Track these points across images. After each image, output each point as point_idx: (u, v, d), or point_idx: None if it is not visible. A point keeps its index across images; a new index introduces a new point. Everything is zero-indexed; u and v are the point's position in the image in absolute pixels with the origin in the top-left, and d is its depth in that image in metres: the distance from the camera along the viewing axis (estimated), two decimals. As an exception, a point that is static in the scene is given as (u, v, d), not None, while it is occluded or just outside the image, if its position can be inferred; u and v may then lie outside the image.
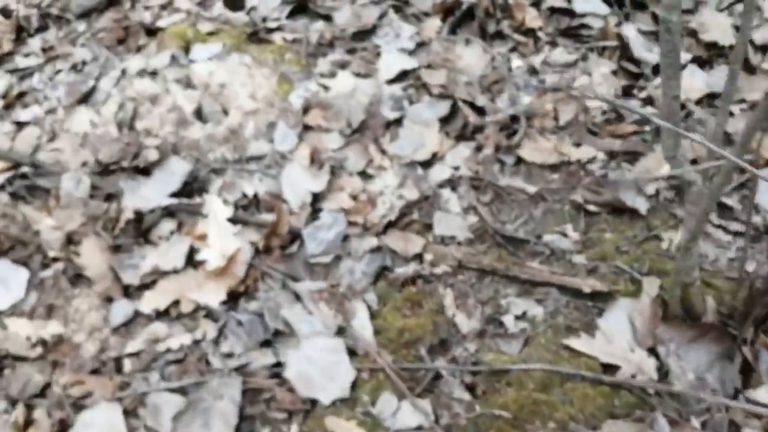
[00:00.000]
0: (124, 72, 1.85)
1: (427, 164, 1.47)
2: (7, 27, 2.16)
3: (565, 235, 1.24)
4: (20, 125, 1.75)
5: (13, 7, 2.29)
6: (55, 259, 1.45)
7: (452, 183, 1.42)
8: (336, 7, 1.99)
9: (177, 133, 1.60)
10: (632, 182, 1.28)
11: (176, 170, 1.50)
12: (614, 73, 1.56)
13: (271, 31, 1.90)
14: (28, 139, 1.70)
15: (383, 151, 1.53)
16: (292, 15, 2.03)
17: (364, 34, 1.86)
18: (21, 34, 2.17)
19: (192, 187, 1.50)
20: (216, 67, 1.78)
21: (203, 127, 1.61)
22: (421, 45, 1.78)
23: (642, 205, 1.27)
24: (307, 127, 1.61)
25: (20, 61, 2.04)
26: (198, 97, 1.67)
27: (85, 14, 2.22)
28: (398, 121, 1.58)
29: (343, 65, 1.75)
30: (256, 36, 1.89)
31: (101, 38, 2.09)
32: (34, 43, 2.13)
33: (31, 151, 1.66)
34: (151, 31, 2.11)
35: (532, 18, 1.74)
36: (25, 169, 1.60)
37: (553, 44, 1.70)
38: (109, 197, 1.52)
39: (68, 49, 2.07)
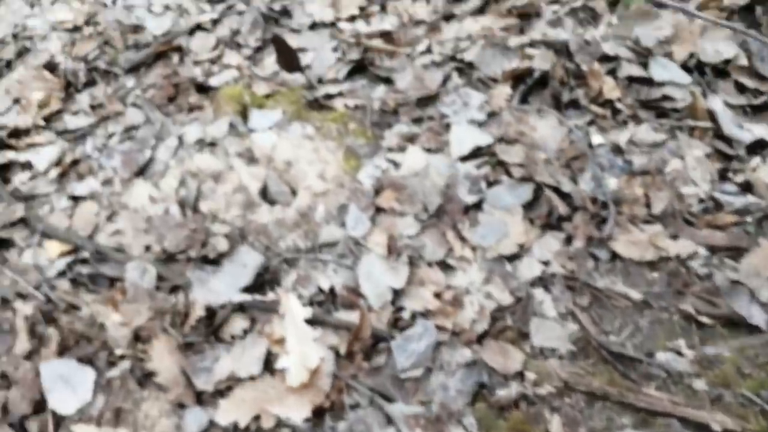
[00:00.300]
0: (181, 140, 1.78)
1: (513, 257, 1.39)
2: (56, 84, 2.09)
3: (679, 353, 1.16)
4: (77, 200, 1.68)
5: (59, 59, 2.23)
6: (122, 357, 1.39)
7: (544, 281, 1.33)
8: (396, 69, 1.91)
9: (244, 216, 1.53)
10: (744, 289, 1.20)
11: (247, 262, 1.42)
12: (707, 155, 1.47)
13: (330, 96, 1.82)
14: (86, 216, 1.63)
15: (463, 239, 1.45)
16: (350, 75, 1.95)
17: (429, 100, 1.78)
18: (68, 89, 2.12)
19: (263, 279, 1.43)
20: (278, 138, 1.71)
21: (271, 210, 1.53)
22: (491, 115, 1.70)
23: (760, 318, 1.18)
24: (379, 209, 1.53)
25: (70, 121, 1.98)
26: (263, 175, 1.59)
27: (133, 69, 2.16)
28: (477, 205, 1.49)
29: (412, 138, 1.67)
30: (316, 102, 1.82)
31: (151, 96, 2.03)
32: (83, 100, 2.07)
33: (91, 231, 1.59)
34: (202, 89, 2.04)
35: (610, 88, 1.65)
36: (85, 253, 1.53)
37: (635, 117, 1.61)
38: (175, 288, 1.45)
39: (118, 107, 2.00)
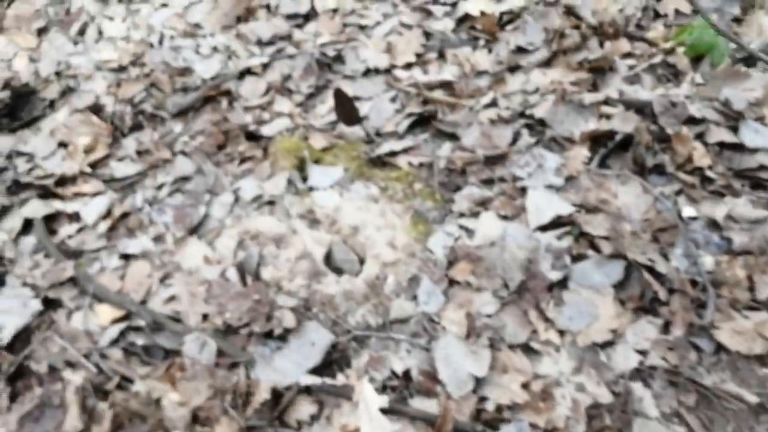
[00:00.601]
0: (236, 196, 1.69)
1: (606, 345, 1.28)
2: (102, 128, 2.02)
3: (810, 474, 1.04)
4: (128, 258, 1.59)
5: (104, 101, 2.16)
6: (179, 440, 1.28)
7: (643, 375, 1.22)
8: (460, 123, 1.82)
9: (309, 286, 1.43)
10: None
11: (316, 339, 1.32)
12: (815, 235, 1.36)
13: (393, 153, 1.73)
14: (139, 277, 1.54)
15: (547, 320, 1.34)
16: (411, 129, 1.87)
17: (499, 159, 1.69)
18: (114, 132, 2.04)
19: (332, 358, 1.33)
20: (341, 198, 1.61)
21: (338, 281, 1.43)
22: (568, 179, 1.60)
23: None
24: (453, 282, 1.43)
25: (117, 168, 1.90)
26: (327, 240, 1.50)
27: (180, 113, 2.08)
28: (561, 283, 1.39)
29: (484, 202, 1.57)
30: (379, 159, 1.72)
31: (200, 144, 1.95)
32: (129, 146, 1.99)
33: (144, 294, 1.50)
34: (253, 137, 1.96)
35: (700, 155, 1.54)
36: (139, 321, 1.44)
37: (729, 188, 1.50)
38: (236, 365, 1.35)
39: (166, 154, 1.92)
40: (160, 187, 1.81)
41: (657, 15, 2.12)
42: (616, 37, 1.97)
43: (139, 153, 1.97)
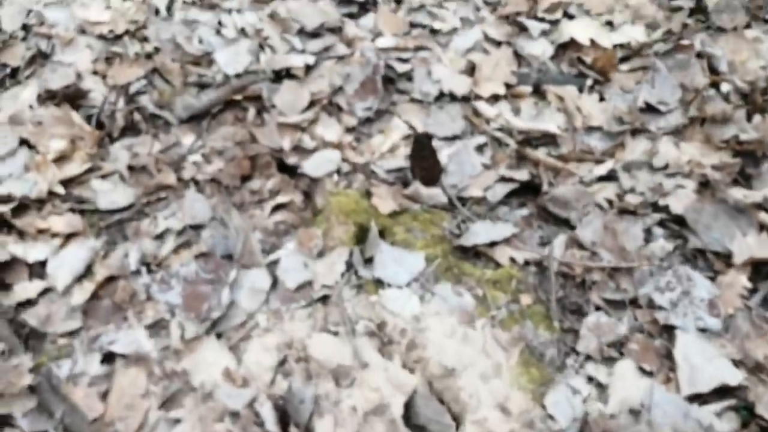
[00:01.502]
0: (274, 278, 1.22)
1: None
2: (85, 132, 1.48)
3: None
4: (112, 361, 1.11)
5: (88, 84, 1.61)
6: None
7: None
8: (573, 203, 1.38)
9: (384, 456, 1.00)
10: None
11: None
12: None
13: (492, 244, 1.29)
14: (129, 397, 1.06)
15: None
16: (508, 198, 1.42)
17: (628, 271, 1.27)
18: (100, 132, 1.51)
19: None
20: (420, 306, 1.17)
21: (426, 455, 1.01)
22: (726, 319, 1.20)
23: None
24: (582, 469, 1.03)
25: (100, 191, 1.38)
26: (410, 385, 1.06)
27: (192, 118, 1.56)
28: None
29: (617, 343, 1.16)
30: (473, 249, 1.28)
31: (218, 170, 1.45)
32: (120, 156, 1.47)
33: (137, 428, 1.03)
34: (288, 169, 1.48)
35: None
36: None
37: None
38: None
39: (170, 179, 1.42)
40: (161, 236, 1.31)
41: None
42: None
43: (131, 169, 1.46)
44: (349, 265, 1.24)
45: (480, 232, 1.28)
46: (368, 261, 1.25)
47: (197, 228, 1.33)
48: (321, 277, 1.20)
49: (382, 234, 1.30)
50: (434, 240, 1.29)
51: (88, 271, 1.23)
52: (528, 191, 1.43)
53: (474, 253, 1.28)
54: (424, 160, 1.35)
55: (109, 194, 1.39)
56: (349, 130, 1.58)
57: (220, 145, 1.52)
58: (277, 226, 1.36)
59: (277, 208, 1.40)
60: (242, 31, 1.74)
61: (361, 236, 1.30)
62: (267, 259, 1.25)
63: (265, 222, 1.36)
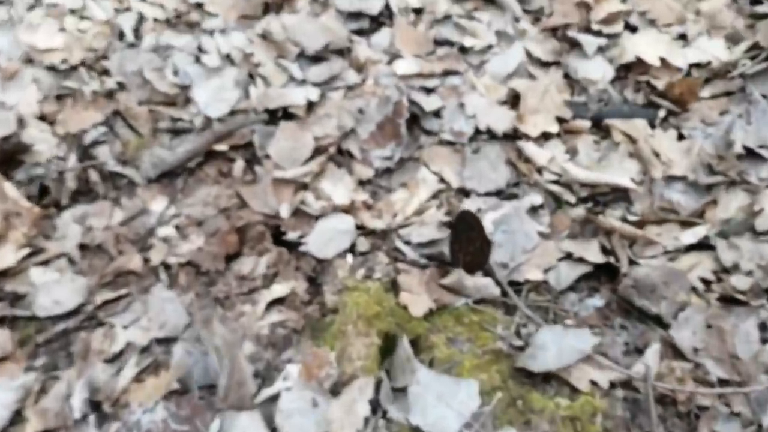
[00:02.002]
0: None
1: None
2: (22, 207, 1.14)
3: None
4: None
5: (33, 132, 1.27)
6: None
7: None
8: (663, 291, 1.04)
9: None
10: None
11: None
12: None
13: (566, 367, 0.95)
14: None
15: None
16: (577, 283, 1.08)
17: (744, 393, 0.94)
18: (43, 199, 1.18)
19: None
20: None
21: None
22: None
23: None
24: None
25: (40, 285, 1.06)
26: None
27: (163, 176, 1.23)
28: None
29: None
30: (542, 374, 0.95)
31: (197, 249, 1.12)
32: (70, 232, 1.14)
33: None
34: (285, 243, 1.14)
35: None
36: None
37: None
38: None
39: (134, 263, 1.10)
40: (119, 356, 0.98)
41: None
42: None
43: (83, 249, 1.13)
44: (375, 405, 0.90)
45: (549, 345, 0.95)
46: (399, 391, 0.92)
47: (167, 342, 1.00)
48: (337, 427, 0.87)
49: (415, 345, 0.97)
50: (488, 357, 0.95)
51: (16, 419, 0.91)
52: (600, 270, 1.10)
53: (543, 377, 0.95)
54: (470, 242, 1.02)
55: (53, 290, 1.06)
56: (363, 182, 1.25)
57: (199, 212, 1.19)
58: (274, 331, 1.03)
59: (274, 303, 1.07)
60: (227, 58, 1.39)
61: (387, 348, 0.97)
62: (261, 394, 0.92)
63: (258, 325, 1.03)
